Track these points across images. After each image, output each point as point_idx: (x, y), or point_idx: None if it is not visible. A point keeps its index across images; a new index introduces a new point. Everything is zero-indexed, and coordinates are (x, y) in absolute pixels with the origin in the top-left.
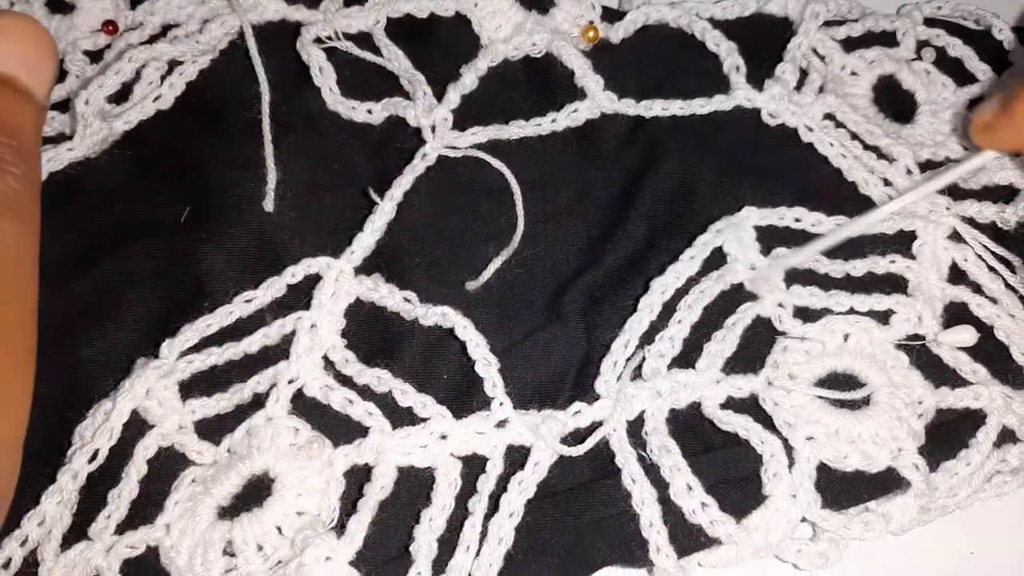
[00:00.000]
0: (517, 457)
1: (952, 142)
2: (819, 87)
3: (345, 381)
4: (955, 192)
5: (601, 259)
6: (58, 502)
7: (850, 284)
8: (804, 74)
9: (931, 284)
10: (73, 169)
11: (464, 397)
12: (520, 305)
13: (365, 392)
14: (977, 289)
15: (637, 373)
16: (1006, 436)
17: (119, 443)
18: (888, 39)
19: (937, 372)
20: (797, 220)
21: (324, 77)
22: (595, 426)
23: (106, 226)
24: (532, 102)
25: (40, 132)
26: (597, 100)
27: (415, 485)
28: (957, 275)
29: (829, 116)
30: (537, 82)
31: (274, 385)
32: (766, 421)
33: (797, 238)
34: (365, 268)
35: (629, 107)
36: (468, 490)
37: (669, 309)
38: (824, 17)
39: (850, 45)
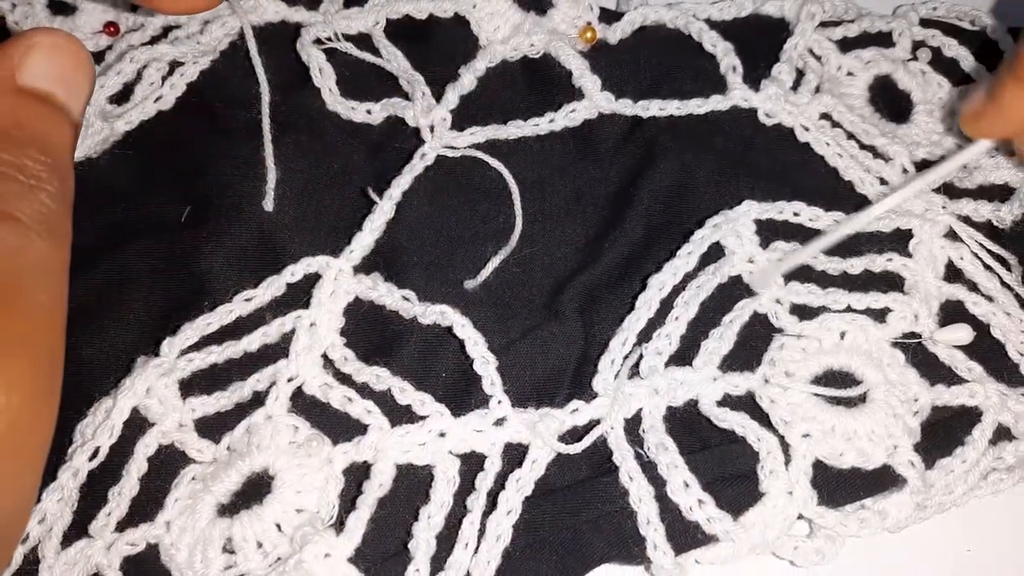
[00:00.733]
0: (515, 455)
1: (948, 141)
2: (815, 87)
3: (344, 379)
4: (951, 191)
5: (599, 258)
6: (59, 499)
7: (847, 282)
8: (800, 74)
9: (927, 282)
10: (75, 169)
11: (462, 395)
12: (518, 304)
13: (364, 390)
14: (973, 287)
15: (634, 371)
16: (1002, 433)
17: (120, 441)
18: (884, 39)
19: (933, 370)
20: (796, 214)
21: (324, 78)
22: (593, 424)
23: (107, 225)
24: (530, 102)
25: (74, 149)
26: (595, 100)
27: (414, 483)
28: (953, 273)
29: (825, 116)
30: (535, 82)
31: (274, 383)
32: (763, 418)
33: (795, 232)
34: (364, 267)
35: (627, 107)
36: (466, 488)
37: (667, 306)
38: (820, 18)
39: (846, 45)
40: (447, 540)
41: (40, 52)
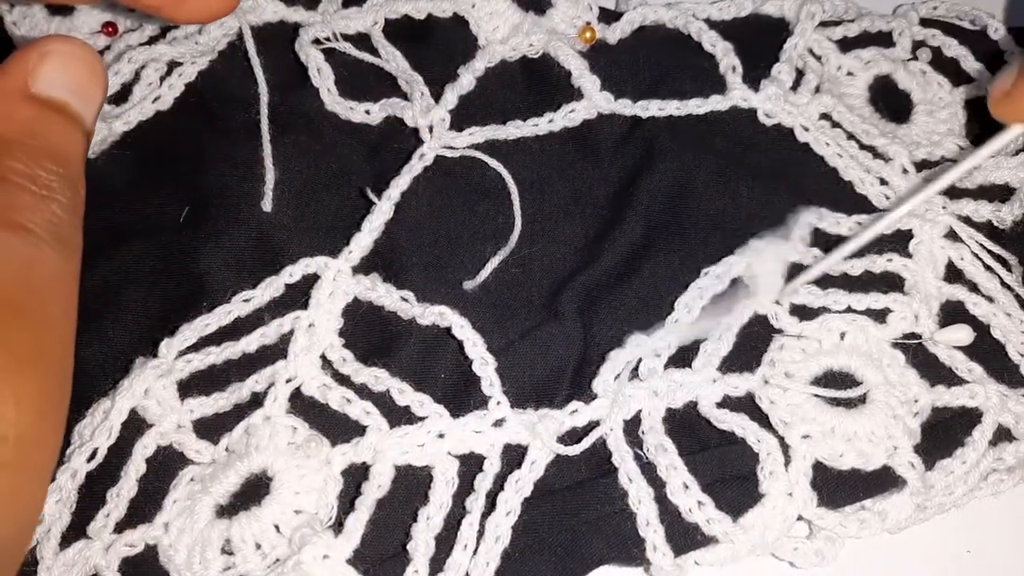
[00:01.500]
0: (514, 456)
1: (948, 141)
2: (815, 87)
3: (343, 380)
4: (951, 191)
5: (598, 259)
6: (57, 501)
7: (847, 282)
8: (800, 74)
9: (927, 283)
10: None
11: (461, 396)
12: (517, 304)
13: (363, 391)
14: (973, 288)
15: (634, 372)
16: (1002, 434)
17: (118, 442)
18: (884, 39)
19: (933, 370)
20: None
21: (322, 78)
22: (592, 425)
23: (105, 226)
24: (529, 102)
25: (85, 158)
26: (594, 100)
27: (413, 484)
28: (953, 274)
29: (825, 116)
30: (534, 82)
31: (272, 384)
32: (762, 419)
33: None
34: (363, 268)
35: (626, 107)
36: (465, 489)
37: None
38: (820, 18)
39: (846, 45)
40: (446, 541)
41: (54, 61)
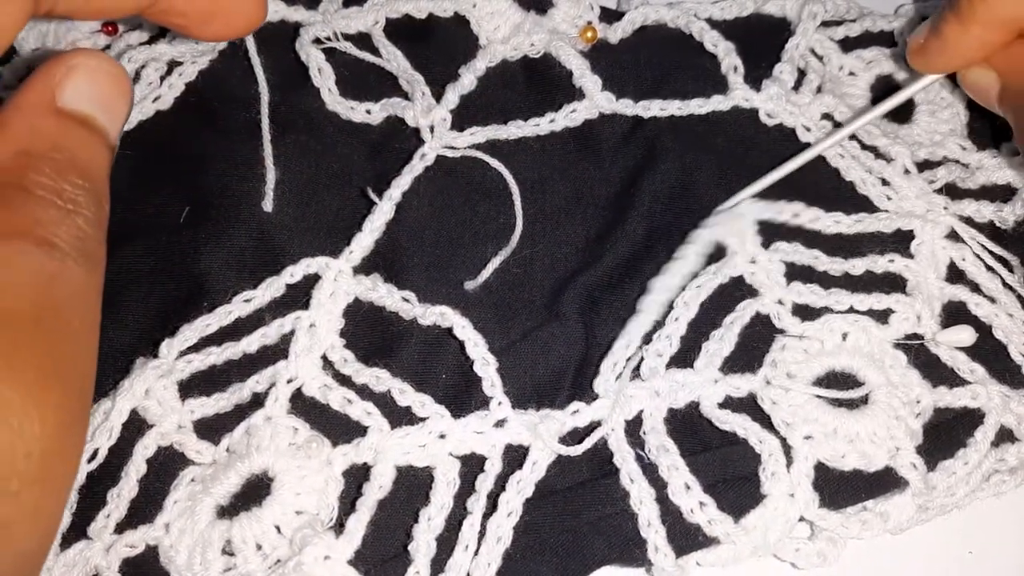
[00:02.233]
0: (515, 456)
1: (950, 141)
2: (817, 87)
3: (344, 380)
4: (953, 192)
5: (599, 259)
6: None
7: (849, 283)
8: (802, 74)
9: (929, 283)
10: None
11: (463, 396)
12: (518, 305)
13: (364, 391)
14: (975, 288)
15: (635, 373)
16: (1004, 435)
17: (118, 442)
18: (886, 39)
19: (935, 371)
20: (796, 215)
21: (323, 77)
22: (593, 426)
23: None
24: (530, 102)
25: (110, 172)
26: (595, 100)
27: (414, 484)
28: (955, 274)
29: (827, 116)
30: (535, 82)
31: (273, 384)
32: (764, 420)
33: (796, 233)
34: (364, 268)
35: (627, 107)
36: (467, 489)
37: (669, 308)
38: (822, 17)
39: (848, 45)
40: (447, 542)
41: (81, 74)
